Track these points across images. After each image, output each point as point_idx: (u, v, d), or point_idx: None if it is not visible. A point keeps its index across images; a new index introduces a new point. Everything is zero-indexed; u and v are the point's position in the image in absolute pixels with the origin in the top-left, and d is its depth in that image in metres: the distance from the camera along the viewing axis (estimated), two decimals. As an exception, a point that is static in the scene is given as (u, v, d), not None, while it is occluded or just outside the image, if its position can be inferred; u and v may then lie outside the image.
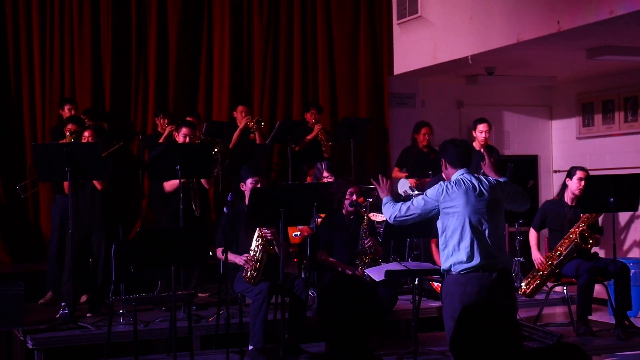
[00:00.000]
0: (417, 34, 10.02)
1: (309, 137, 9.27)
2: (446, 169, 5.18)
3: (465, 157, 5.19)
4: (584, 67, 9.96)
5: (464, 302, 4.80)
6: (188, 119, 8.42)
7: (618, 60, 9.29)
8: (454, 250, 5.02)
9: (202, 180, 7.64)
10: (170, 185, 7.48)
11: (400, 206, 5.17)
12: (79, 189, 7.16)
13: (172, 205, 7.56)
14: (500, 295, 4.96)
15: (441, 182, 5.11)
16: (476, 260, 4.96)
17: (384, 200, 5.35)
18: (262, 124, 9.09)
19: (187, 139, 7.59)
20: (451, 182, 5.07)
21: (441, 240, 5.11)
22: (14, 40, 9.25)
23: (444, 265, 5.07)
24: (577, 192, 7.29)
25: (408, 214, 5.14)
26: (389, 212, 5.22)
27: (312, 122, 9.41)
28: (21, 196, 8.09)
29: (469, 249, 4.96)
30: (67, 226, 7.19)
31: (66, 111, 8.65)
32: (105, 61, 9.51)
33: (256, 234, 6.44)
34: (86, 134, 7.34)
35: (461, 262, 4.98)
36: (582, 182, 7.26)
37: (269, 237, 6.40)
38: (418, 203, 5.11)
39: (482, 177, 5.16)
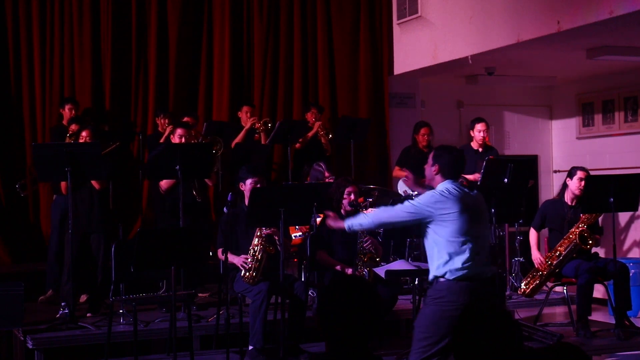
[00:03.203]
0: (417, 34, 10.02)
1: (309, 134, 9.28)
2: (436, 174, 5.02)
3: (460, 169, 5.08)
4: (584, 67, 9.96)
5: (453, 309, 4.77)
6: (185, 119, 8.42)
7: (618, 60, 9.29)
8: (449, 257, 4.89)
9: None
10: (166, 182, 7.48)
11: (377, 212, 5.06)
12: (77, 188, 7.15)
13: (170, 203, 7.55)
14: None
15: (434, 191, 4.95)
16: (471, 269, 4.89)
17: (346, 223, 5.15)
18: (270, 125, 9.09)
19: (183, 140, 7.57)
20: (445, 191, 4.93)
21: (433, 247, 4.97)
22: (14, 40, 9.25)
23: (437, 272, 4.94)
24: (577, 192, 7.28)
25: (398, 218, 5.00)
26: (365, 220, 5.10)
27: (312, 122, 9.41)
28: (20, 194, 8.08)
29: (465, 258, 4.88)
30: (66, 226, 7.20)
31: (67, 111, 8.65)
32: (105, 61, 9.51)
33: (256, 234, 6.44)
34: (84, 133, 7.32)
35: (457, 270, 4.88)
36: (583, 182, 7.26)
37: (273, 236, 6.39)
38: (414, 209, 4.93)
39: (465, 188, 5.03)
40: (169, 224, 7.53)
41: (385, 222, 5.12)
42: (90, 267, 7.28)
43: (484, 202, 5.09)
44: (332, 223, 5.35)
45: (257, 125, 9.08)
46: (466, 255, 4.86)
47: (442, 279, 4.89)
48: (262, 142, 9.07)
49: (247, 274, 6.37)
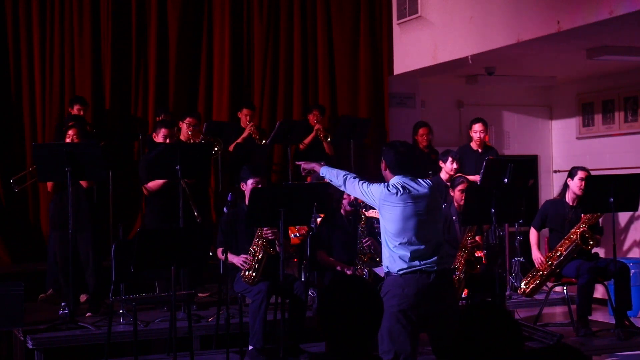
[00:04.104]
0: (417, 34, 10.02)
1: (308, 138, 9.28)
2: (385, 170, 5.17)
3: (406, 164, 5.13)
4: (584, 67, 9.96)
5: (401, 303, 4.91)
6: (187, 119, 8.39)
7: (618, 60, 9.29)
8: (393, 251, 5.02)
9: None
10: (154, 184, 7.42)
11: (350, 178, 5.21)
12: (64, 188, 7.11)
13: (157, 205, 7.51)
14: (438, 296, 4.97)
15: (383, 184, 5.07)
16: (413, 262, 4.97)
17: (323, 170, 5.36)
18: (264, 139, 9.11)
19: (168, 140, 7.53)
20: (392, 186, 5.03)
21: (383, 237, 5.11)
22: (14, 40, 9.25)
23: (385, 264, 5.09)
24: (578, 192, 7.28)
25: (352, 189, 5.22)
26: (337, 177, 5.27)
27: (314, 123, 9.43)
28: (14, 189, 8.01)
29: (406, 252, 4.97)
30: (53, 225, 7.20)
31: (75, 111, 8.67)
32: (105, 61, 9.52)
33: (257, 234, 6.44)
34: (70, 132, 7.28)
35: (399, 264, 4.98)
36: (584, 182, 7.26)
37: (270, 237, 6.40)
38: (362, 192, 5.12)
39: (420, 180, 5.12)
40: (156, 226, 7.46)
41: (349, 191, 5.34)
42: (79, 267, 7.20)
43: (436, 195, 5.14)
44: (305, 165, 5.65)
45: (254, 135, 9.08)
46: (408, 251, 4.95)
47: (390, 273, 5.02)
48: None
49: (247, 273, 6.37)
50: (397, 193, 4.98)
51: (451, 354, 2.82)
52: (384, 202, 5.02)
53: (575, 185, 7.33)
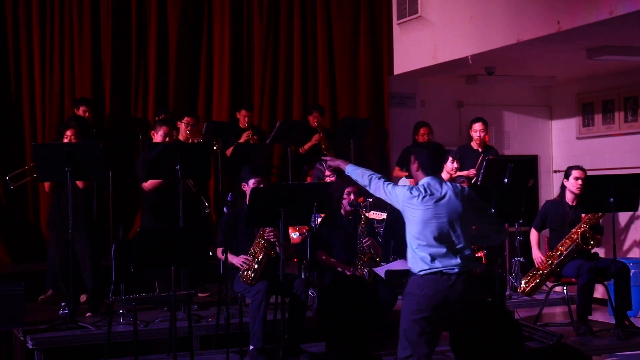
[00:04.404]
0: (417, 34, 10.02)
1: (309, 144, 9.30)
2: (417, 170, 5.22)
3: (439, 165, 5.27)
4: (584, 67, 9.96)
5: (420, 304, 5.01)
6: (185, 119, 8.39)
7: (618, 60, 9.28)
8: (414, 252, 5.10)
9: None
10: (150, 184, 7.42)
11: (375, 178, 5.27)
12: (62, 188, 7.10)
13: (153, 204, 7.50)
14: (459, 298, 5.02)
15: (410, 186, 5.17)
16: (434, 264, 5.04)
17: (348, 169, 5.45)
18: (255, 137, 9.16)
19: (167, 139, 7.53)
20: (419, 188, 5.11)
21: (407, 237, 5.18)
22: (14, 40, 9.25)
23: (408, 265, 5.18)
24: (576, 191, 7.29)
25: (376, 189, 5.28)
26: (362, 177, 5.34)
27: (315, 125, 9.43)
28: (10, 186, 7.99)
29: (427, 253, 5.04)
30: (50, 225, 7.19)
31: (81, 112, 8.66)
32: (105, 61, 9.51)
33: (259, 235, 6.44)
34: (68, 132, 7.26)
35: (420, 265, 5.07)
36: (580, 181, 7.28)
37: (271, 240, 6.39)
38: (387, 193, 5.19)
39: (447, 183, 5.19)
40: (152, 225, 7.46)
41: (373, 191, 5.35)
42: (77, 268, 7.19)
43: (463, 198, 5.16)
44: (331, 162, 5.69)
45: (251, 140, 9.10)
46: (429, 253, 5.03)
47: (412, 274, 5.12)
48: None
49: (246, 274, 6.36)
50: (419, 196, 5.07)
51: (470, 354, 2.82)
52: (406, 204, 5.11)
53: (571, 185, 7.35)
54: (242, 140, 9.07)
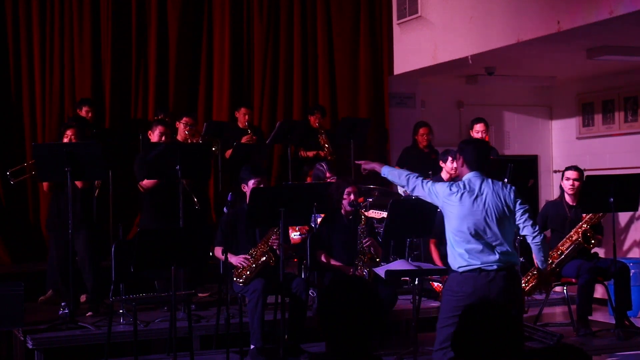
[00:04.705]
0: (417, 34, 10.02)
1: (313, 152, 9.32)
2: (462, 166, 5.31)
3: (484, 162, 5.32)
4: (584, 67, 9.96)
5: (459, 300, 5.06)
6: (184, 119, 8.39)
7: (618, 60, 9.28)
8: (452, 250, 5.19)
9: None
10: (147, 182, 7.41)
11: (413, 178, 5.36)
12: (61, 188, 7.10)
13: (151, 204, 7.51)
14: (498, 294, 5.07)
15: (449, 183, 5.27)
16: (472, 260, 5.11)
17: (384, 170, 5.54)
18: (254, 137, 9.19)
19: (164, 138, 7.55)
20: (456, 184, 5.20)
21: (446, 234, 5.28)
22: (14, 40, 9.25)
23: (448, 261, 5.28)
24: (569, 191, 7.33)
25: (415, 189, 5.36)
26: (399, 177, 5.44)
27: (316, 125, 9.43)
28: (10, 182, 7.98)
29: (465, 250, 5.12)
30: (49, 225, 7.18)
31: (84, 112, 8.65)
32: (105, 61, 9.51)
33: (263, 240, 6.43)
34: (68, 132, 7.27)
35: (459, 261, 5.15)
36: (571, 182, 7.33)
37: (275, 247, 6.39)
38: (427, 191, 5.27)
39: (489, 180, 5.25)
40: (151, 225, 7.47)
41: (411, 190, 5.43)
42: (76, 268, 7.20)
43: (502, 195, 5.22)
44: (365, 165, 5.73)
45: (250, 141, 9.11)
46: (466, 249, 5.10)
47: (451, 270, 5.20)
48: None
49: (240, 270, 6.35)
50: (457, 192, 5.15)
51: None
52: (445, 200, 5.19)
53: (565, 186, 7.40)
54: (245, 140, 9.07)
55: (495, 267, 5.10)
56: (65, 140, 7.18)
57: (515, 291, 5.24)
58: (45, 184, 7.39)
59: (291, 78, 10.32)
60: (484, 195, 5.15)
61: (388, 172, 5.50)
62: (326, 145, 9.38)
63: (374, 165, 5.67)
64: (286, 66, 10.28)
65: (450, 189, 5.17)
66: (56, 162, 6.67)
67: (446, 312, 5.16)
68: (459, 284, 5.12)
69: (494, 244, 5.13)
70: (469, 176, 5.22)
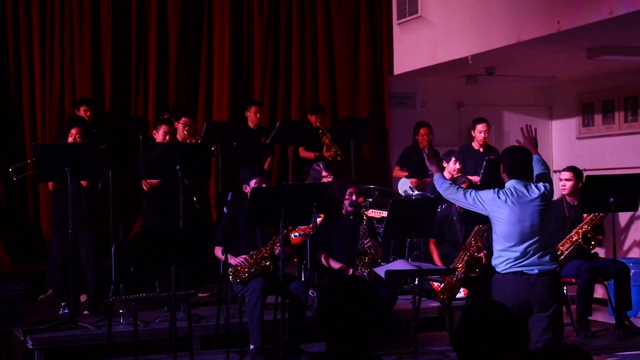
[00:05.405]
0: (417, 34, 10.01)
1: (315, 154, 9.30)
2: (502, 173, 5.50)
3: (522, 169, 5.44)
4: (584, 67, 9.95)
5: (502, 300, 5.16)
6: (183, 119, 8.40)
7: (618, 60, 9.28)
8: (499, 252, 5.36)
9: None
10: (152, 180, 7.43)
11: (454, 190, 5.52)
12: (65, 187, 7.11)
13: (158, 203, 7.52)
14: (538, 297, 5.26)
15: (495, 190, 5.40)
16: (516, 263, 5.28)
17: (436, 176, 5.68)
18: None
19: (167, 137, 7.56)
20: (502, 191, 5.36)
21: (493, 237, 5.46)
22: (14, 40, 9.25)
23: (492, 262, 5.45)
24: (562, 191, 7.37)
25: (457, 199, 5.56)
26: (441, 186, 5.58)
27: (316, 125, 9.43)
28: (13, 178, 7.99)
29: (511, 253, 5.29)
30: (54, 225, 7.19)
31: (82, 112, 8.66)
32: (105, 61, 9.51)
33: (268, 244, 6.43)
34: (73, 131, 7.28)
35: (503, 264, 5.32)
36: (565, 182, 7.36)
37: (276, 254, 6.39)
38: (472, 200, 5.43)
39: (532, 185, 5.41)
40: (157, 225, 7.47)
41: (457, 201, 5.68)
42: (80, 267, 7.20)
43: (548, 204, 5.43)
44: (429, 160, 5.82)
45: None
46: (512, 253, 5.28)
47: (495, 271, 5.38)
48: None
49: (239, 268, 6.34)
50: (505, 199, 5.31)
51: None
52: (494, 206, 5.34)
53: (560, 187, 7.42)
54: (266, 166, 9.04)
55: (536, 271, 5.27)
56: (70, 139, 7.21)
57: (556, 296, 5.41)
58: (50, 183, 7.40)
59: (291, 78, 10.32)
60: (530, 201, 5.31)
61: (437, 179, 5.66)
62: (333, 147, 9.33)
63: (434, 168, 5.78)
64: (286, 66, 10.27)
65: (499, 196, 5.33)
66: (56, 162, 6.67)
67: None
68: (502, 285, 5.30)
69: (538, 247, 5.30)
70: (511, 183, 5.39)
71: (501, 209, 5.31)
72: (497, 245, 5.38)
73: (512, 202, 5.30)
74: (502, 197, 5.33)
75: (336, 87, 10.49)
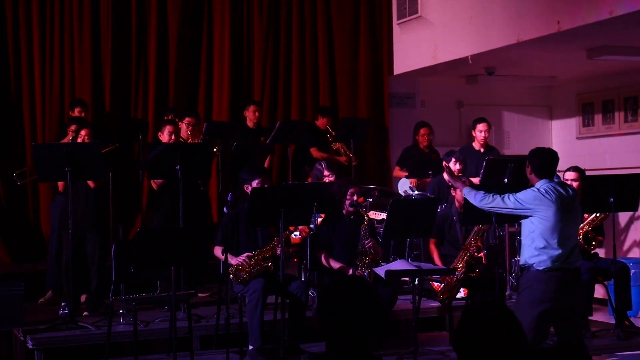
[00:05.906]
0: (417, 34, 10.02)
1: (325, 154, 9.28)
2: (530, 174, 5.56)
3: (551, 169, 5.54)
4: (584, 67, 9.96)
5: (543, 297, 5.35)
6: (186, 119, 8.41)
7: (618, 60, 9.28)
8: (540, 250, 5.39)
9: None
10: (156, 181, 7.47)
11: (490, 197, 5.55)
12: (72, 187, 7.12)
13: (165, 204, 7.54)
14: (568, 293, 5.41)
15: (534, 189, 5.45)
16: (559, 262, 5.38)
17: (465, 190, 5.75)
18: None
19: (173, 137, 7.59)
20: (543, 190, 5.40)
21: (528, 237, 5.48)
22: (14, 40, 9.25)
23: (528, 260, 5.46)
24: None
25: (497, 206, 5.56)
26: (475, 198, 5.63)
27: (324, 127, 9.40)
28: (17, 183, 8.01)
29: (554, 253, 5.37)
30: (63, 225, 7.19)
31: (76, 113, 8.66)
32: (105, 61, 9.52)
33: (270, 245, 6.44)
34: (82, 132, 7.32)
35: (545, 262, 5.37)
36: (571, 183, 7.33)
37: (277, 254, 6.38)
38: (513, 204, 5.46)
39: (565, 185, 5.53)
40: (164, 225, 7.48)
41: (493, 211, 5.77)
42: (85, 267, 7.23)
43: (578, 202, 5.56)
44: (450, 176, 6.02)
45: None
46: (556, 250, 5.36)
47: (532, 269, 5.41)
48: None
49: (240, 267, 6.34)
50: (551, 197, 5.37)
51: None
52: (538, 205, 5.39)
53: None
54: (266, 164, 9.04)
55: (569, 267, 5.42)
56: (79, 140, 7.26)
57: (578, 291, 5.56)
58: (60, 184, 7.43)
59: (291, 78, 10.32)
60: (567, 198, 5.41)
61: (467, 193, 5.71)
62: (348, 152, 9.28)
63: (459, 184, 5.88)
64: (286, 66, 10.27)
65: (543, 194, 5.37)
66: (56, 162, 6.67)
67: (526, 307, 5.32)
68: (543, 282, 5.35)
69: (572, 244, 5.44)
70: (541, 183, 5.45)
71: (547, 208, 5.36)
72: (536, 243, 5.40)
73: (558, 200, 5.37)
74: (547, 195, 5.37)
75: (336, 87, 10.49)
